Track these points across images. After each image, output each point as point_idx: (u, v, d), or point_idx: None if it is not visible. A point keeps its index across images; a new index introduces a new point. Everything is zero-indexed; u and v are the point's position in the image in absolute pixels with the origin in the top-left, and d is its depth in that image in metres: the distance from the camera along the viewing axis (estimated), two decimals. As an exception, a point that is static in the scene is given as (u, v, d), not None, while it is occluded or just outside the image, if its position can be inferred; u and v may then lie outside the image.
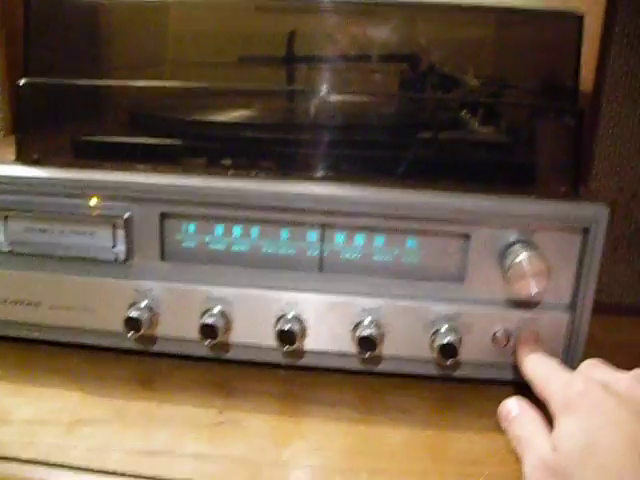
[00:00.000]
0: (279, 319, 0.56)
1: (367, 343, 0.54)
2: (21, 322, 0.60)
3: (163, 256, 0.57)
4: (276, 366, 0.58)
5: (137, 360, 0.59)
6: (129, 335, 0.56)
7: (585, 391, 0.44)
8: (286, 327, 0.55)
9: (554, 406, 0.46)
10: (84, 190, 0.56)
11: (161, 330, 0.57)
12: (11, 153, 0.59)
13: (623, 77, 0.64)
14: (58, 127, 0.60)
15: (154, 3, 0.56)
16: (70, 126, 0.60)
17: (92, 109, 0.61)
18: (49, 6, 0.58)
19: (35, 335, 0.60)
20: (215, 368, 0.59)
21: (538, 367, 0.51)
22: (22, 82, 0.58)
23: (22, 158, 0.59)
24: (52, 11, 0.58)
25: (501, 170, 0.57)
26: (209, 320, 0.55)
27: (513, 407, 0.51)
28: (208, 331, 0.55)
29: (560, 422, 0.44)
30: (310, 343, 0.56)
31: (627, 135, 0.66)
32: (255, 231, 0.56)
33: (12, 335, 0.61)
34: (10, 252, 0.58)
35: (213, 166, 0.57)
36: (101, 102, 0.61)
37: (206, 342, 0.55)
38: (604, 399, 0.42)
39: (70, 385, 0.56)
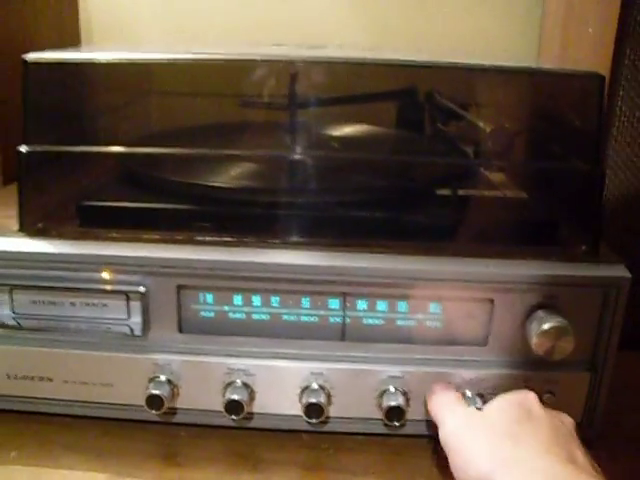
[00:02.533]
0: (304, 390, 0.55)
1: (395, 413, 0.54)
2: (36, 397, 0.58)
3: (181, 328, 0.55)
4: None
5: (158, 430, 0.58)
6: (152, 412, 0.54)
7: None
8: (313, 400, 0.54)
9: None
10: (96, 264, 0.55)
11: (182, 402, 0.57)
12: (6, 217, 0.58)
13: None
14: (61, 194, 0.58)
15: (153, 65, 0.53)
16: (73, 192, 0.58)
17: (95, 174, 0.58)
18: (47, 72, 0.55)
19: (51, 410, 0.58)
20: (238, 435, 0.58)
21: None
22: (23, 149, 0.55)
23: (26, 228, 0.56)
24: (50, 77, 0.55)
25: (520, 228, 0.56)
26: (234, 396, 0.54)
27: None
28: (233, 407, 0.54)
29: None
30: (335, 410, 0.55)
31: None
32: (275, 300, 0.55)
33: (27, 410, 0.59)
34: (17, 326, 0.56)
35: (221, 231, 0.55)
36: (103, 167, 0.58)
37: (231, 417, 0.54)
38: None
39: (94, 465, 0.54)
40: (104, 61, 0.56)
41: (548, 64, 0.68)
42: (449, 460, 0.47)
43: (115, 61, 0.56)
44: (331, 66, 0.58)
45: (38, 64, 0.55)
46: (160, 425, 0.58)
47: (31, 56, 0.54)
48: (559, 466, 0.42)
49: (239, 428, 0.57)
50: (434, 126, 0.66)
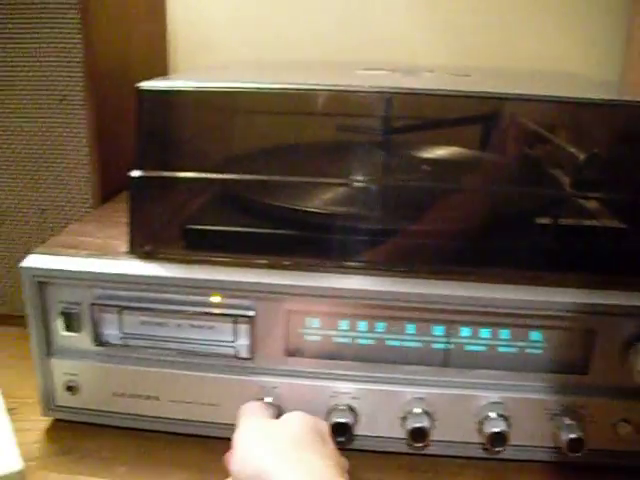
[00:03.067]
0: (407, 414, 0.56)
1: (498, 439, 0.55)
2: (141, 414, 0.59)
3: (287, 351, 0.56)
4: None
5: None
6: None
7: None
8: (418, 424, 0.55)
9: None
10: (205, 288, 0.56)
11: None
12: (108, 237, 0.60)
13: None
14: (166, 217, 0.59)
15: (264, 92, 0.55)
16: (177, 215, 0.59)
17: (198, 197, 0.60)
18: (158, 98, 0.56)
19: (156, 427, 0.59)
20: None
21: None
22: (135, 174, 0.56)
23: (135, 250, 0.58)
24: (161, 102, 0.57)
25: (619, 257, 0.57)
26: (340, 419, 0.55)
27: None
28: (339, 429, 0.55)
29: None
30: (435, 434, 0.56)
31: None
32: (381, 326, 0.56)
33: (132, 427, 0.61)
34: (124, 345, 0.57)
35: (324, 257, 0.56)
36: (207, 191, 0.60)
37: (338, 439, 0.55)
38: None
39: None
40: (216, 89, 0.57)
41: (631, 90, 0.68)
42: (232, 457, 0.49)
43: (225, 89, 0.57)
44: (425, 97, 0.59)
45: (151, 92, 0.56)
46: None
47: (144, 84, 0.56)
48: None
49: (341, 449, 0.58)
50: (522, 151, 0.67)
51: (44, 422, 0.62)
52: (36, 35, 0.67)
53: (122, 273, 0.56)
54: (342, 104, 0.59)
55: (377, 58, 0.91)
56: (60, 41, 0.67)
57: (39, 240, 0.72)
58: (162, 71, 0.91)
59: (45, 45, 0.67)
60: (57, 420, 0.63)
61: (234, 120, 0.60)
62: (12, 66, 0.68)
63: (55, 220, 0.72)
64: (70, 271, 0.57)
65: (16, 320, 0.75)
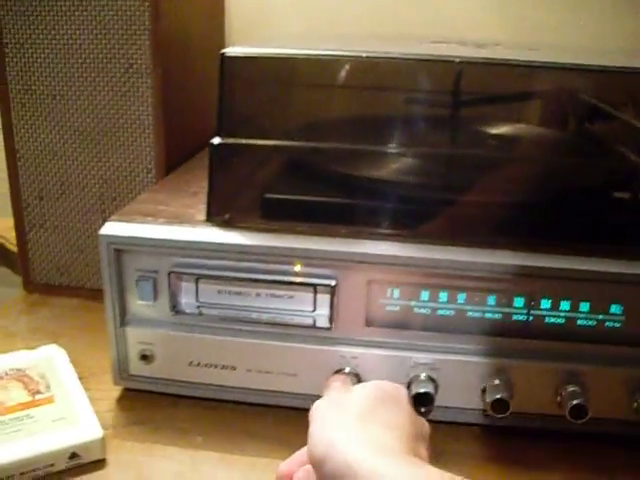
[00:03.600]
0: (486, 386, 0.56)
1: (579, 411, 0.55)
2: (217, 384, 0.59)
3: (367, 321, 0.56)
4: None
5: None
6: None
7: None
8: (498, 396, 0.55)
9: None
10: (286, 257, 0.56)
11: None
12: (183, 206, 0.60)
13: None
14: (247, 186, 0.59)
15: (346, 59, 0.54)
16: (258, 185, 0.59)
17: (279, 168, 0.59)
18: (242, 64, 0.56)
19: (232, 397, 0.59)
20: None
21: None
22: (216, 142, 0.56)
23: (213, 219, 0.57)
24: (245, 69, 0.56)
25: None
26: (421, 389, 0.55)
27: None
28: (421, 399, 0.55)
29: None
30: (514, 406, 0.56)
31: None
32: (462, 297, 0.56)
33: (207, 397, 0.61)
34: (198, 314, 0.57)
35: (403, 227, 0.56)
36: (287, 161, 0.59)
37: (420, 409, 0.55)
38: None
39: (278, 453, 0.55)
40: (300, 55, 0.56)
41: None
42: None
43: (310, 56, 0.56)
44: (496, 67, 0.58)
45: (234, 58, 0.55)
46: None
47: (229, 50, 0.55)
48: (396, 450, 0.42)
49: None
50: (589, 127, 0.66)
51: (115, 391, 0.62)
52: (102, 3, 0.66)
53: (202, 241, 0.56)
54: (425, 74, 0.58)
55: (436, 34, 0.90)
56: (127, 9, 0.66)
57: (100, 210, 0.72)
58: (220, 42, 0.90)
59: (112, 13, 0.66)
60: (127, 389, 0.62)
61: (312, 89, 0.60)
62: (78, 35, 0.68)
63: (117, 190, 0.72)
64: (149, 238, 0.56)
65: (75, 291, 0.75)
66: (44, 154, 0.72)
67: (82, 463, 0.53)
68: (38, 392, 0.57)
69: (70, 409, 0.54)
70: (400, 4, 0.91)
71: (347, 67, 0.56)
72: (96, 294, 0.73)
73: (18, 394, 0.57)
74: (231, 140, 0.56)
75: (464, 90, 0.62)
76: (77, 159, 0.71)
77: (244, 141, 0.57)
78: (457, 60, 0.57)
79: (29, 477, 0.51)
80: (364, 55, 0.55)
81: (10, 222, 0.84)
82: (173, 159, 0.71)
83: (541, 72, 0.59)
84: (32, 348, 0.66)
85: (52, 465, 0.52)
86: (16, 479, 0.50)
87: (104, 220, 0.68)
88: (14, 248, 0.84)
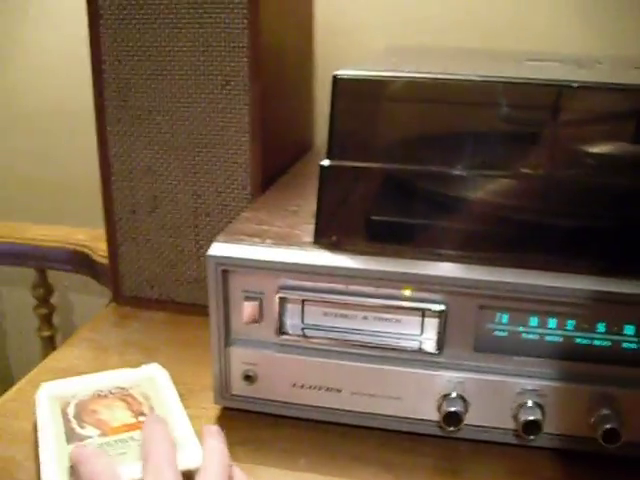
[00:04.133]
0: (595, 414, 0.55)
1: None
2: (321, 406, 0.59)
3: (477, 347, 0.56)
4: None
5: (436, 443, 0.58)
6: (448, 430, 0.55)
7: None
8: (608, 426, 0.54)
9: None
10: (396, 282, 0.56)
11: (469, 419, 0.56)
12: (287, 227, 0.61)
13: None
14: (354, 208, 0.59)
15: (460, 82, 0.54)
16: (365, 207, 0.58)
17: (388, 190, 0.59)
18: (354, 86, 0.55)
19: (335, 419, 0.59)
20: (518, 453, 0.58)
21: None
22: (326, 164, 0.56)
23: (321, 241, 0.57)
24: (356, 91, 0.56)
25: None
26: (530, 417, 0.55)
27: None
28: (530, 427, 0.54)
29: None
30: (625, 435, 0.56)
31: None
32: (571, 324, 0.55)
33: (309, 418, 0.61)
34: (302, 335, 0.57)
35: (513, 252, 0.55)
36: (396, 184, 0.59)
37: (529, 437, 0.54)
38: None
39: (384, 477, 0.55)
40: (412, 78, 0.56)
41: None
42: None
43: (420, 79, 0.56)
44: (603, 91, 0.57)
45: (346, 80, 0.55)
46: (437, 438, 0.59)
47: (342, 72, 0.55)
48: None
49: (518, 446, 0.57)
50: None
51: (214, 410, 0.62)
52: (201, 20, 0.66)
53: (310, 264, 0.56)
54: (526, 96, 0.58)
55: (519, 46, 0.89)
56: (227, 26, 0.66)
57: (192, 225, 0.72)
58: (309, 58, 0.90)
59: (210, 30, 0.67)
60: (225, 408, 0.62)
61: (419, 110, 0.59)
62: (177, 51, 0.68)
63: (211, 206, 0.72)
64: (257, 260, 0.56)
65: (164, 304, 0.75)
66: (138, 169, 0.72)
67: None
68: (142, 414, 0.57)
69: (173, 434, 0.54)
70: (482, 15, 0.90)
71: (458, 89, 0.56)
72: (185, 308, 0.74)
73: (122, 414, 0.57)
74: (341, 162, 0.56)
75: (563, 112, 0.61)
76: (171, 174, 0.72)
77: (354, 163, 0.56)
78: (558, 84, 0.56)
79: None
80: (478, 79, 0.54)
81: (96, 233, 0.84)
82: (268, 174, 0.71)
83: None
84: (128, 362, 0.66)
85: None
86: None
87: (197, 235, 0.68)
88: (100, 259, 0.85)
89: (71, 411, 0.58)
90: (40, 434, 0.55)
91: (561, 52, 0.82)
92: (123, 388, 0.60)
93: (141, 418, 0.57)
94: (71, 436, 0.55)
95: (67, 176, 1.11)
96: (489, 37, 0.90)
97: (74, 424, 0.56)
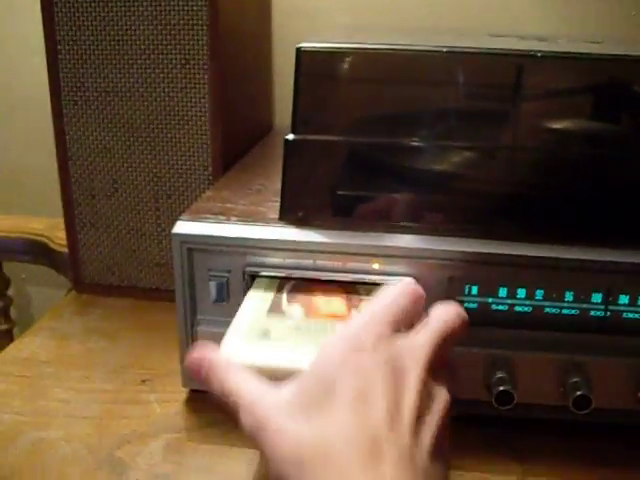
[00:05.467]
0: (566, 382, 0.55)
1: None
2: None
3: (445, 318, 0.55)
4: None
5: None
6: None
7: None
8: (578, 393, 0.54)
9: None
10: (365, 255, 0.55)
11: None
12: (252, 204, 0.60)
13: None
14: (320, 184, 0.58)
15: (425, 53, 0.53)
16: (331, 182, 0.58)
17: (354, 164, 0.58)
18: (318, 59, 0.55)
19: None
20: (490, 424, 0.58)
21: None
22: (290, 138, 0.55)
23: (287, 217, 0.56)
24: (321, 64, 0.55)
25: None
26: (501, 387, 0.54)
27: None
28: (503, 398, 0.54)
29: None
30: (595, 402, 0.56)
31: None
32: (539, 293, 0.55)
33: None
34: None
35: (479, 223, 0.56)
36: (362, 157, 0.58)
37: (502, 408, 0.54)
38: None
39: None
40: (379, 49, 0.55)
41: None
42: None
43: (388, 50, 0.55)
44: (559, 60, 0.58)
45: (311, 52, 0.54)
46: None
47: (305, 45, 0.54)
48: None
49: (492, 417, 0.57)
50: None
51: (182, 393, 0.61)
52: (159, -4, 0.65)
53: (278, 239, 0.55)
54: (488, 66, 0.58)
55: (480, 27, 0.89)
56: (185, 3, 0.65)
57: (154, 209, 0.71)
58: (268, 39, 0.89)
59: (169, 8, 0.65)
60: (194, 391, 0.61)
61: (385, 83, 0.59)
62: (134, 30, 0.66)
63: (172, 188, 0.71)
64: (223, 237, 0.55)
65: (127, 291, 0.74)
66: (96, 152, 0.71)
67: None
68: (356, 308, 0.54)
69: None
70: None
71: (422, 61, 0.56)
72: (148, 293, 0.72)
73: (338, 305, 0.54)
74: (306, 136, 0.55)
75: (527, 84, 0.61)
76: (131, 156, 0.70)
77: (319, 137, 0.56)
78: (520, 54, 0.56)
79: None
80: (442, 50, 0.54)
81: (54, 221, 0.83)
82: (229, 155, 0.70)
83: (603, 64, 0.58)
84: (91, 350, 0.66)
85: None
86: None
87: (158, 218, 0.67)
88: (58, 248, 0.83)
89: (288, 287, 0.56)
90: (244, 301, 0.53)
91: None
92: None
93: (354, 311, 0.53)
94: (274, 309, 0.53)
95: (21, 165, 1.08)
96: (454, 19, 0.90)
97: (283, 299, 0.54)
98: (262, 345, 0.48)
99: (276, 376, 0.43)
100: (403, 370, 0.39)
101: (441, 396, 0.40)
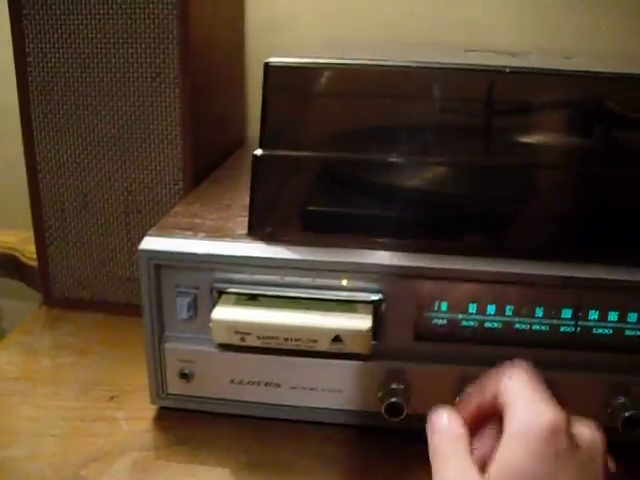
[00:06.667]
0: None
1: (633, 424, 0.54)
2: (260, 402, 0.58)
3: (416, 336, 0.55)
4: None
5: (379, 434, 0.57)
6: (391, 420, 0.54)
7: (552, 431, 0.37)
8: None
9: (508, 423, 0.39)
10: (334, 272, 0.55)
11: (412, 408, 0.56)
12: (220, 219, 0.60)
13: None
14: (288, 199, 0.58)
15: (395, 68, 0.53)
16: (300, 198, 0.57)
17: (323, 180, 0.58)
18: (287, 74, 0.54)
19: (275, 415, 0.58)
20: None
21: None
22: (258, 153, 0.55)
23: (255, 232, 0.56)
24: (289, 79, 0.55)
25: None
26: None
27: (442, 418, 0.43)
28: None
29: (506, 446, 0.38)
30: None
31: None
32: (509, 309, 0.55)
33: (248, 414, 0.60)
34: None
35: (449, 239, 0.55)
36: (331, 173, 0.58)
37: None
38: (567, 450, 0.37)
39: (327, 469, 0.55)
40: (348, 65, 0.55)
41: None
42: None
43: (357, 65, 0.55)
44: (528, 76, 0.58)
45: (279, 68, 0.54)
46: (381, 430, 0.58)
47: (272, 60, 0.54)
48: None
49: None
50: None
51: (151, 410, 0.60)
52: (129, 11, 0.65)
53: (245, 255, 0.54)
54: (460, 82, 0.58)
55: (456, 41, 0.89)
56: (155, 17, 0.65)
57: (124, 223, 0.70)
58: (241, 53, 0.89)
59: (139, 21, 0.65)
60: (163, 408, 0.60)
61: (353, 98, 0.58)
62: (104, 43, 0.66)
63: (143, 203, 0.70)
64: (192, 253, 0.55)
65: (98, 306, 0.73)
66: (66, 166, 0.70)
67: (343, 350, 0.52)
68: None
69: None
70: (421, 11, 0.90)
71: (393, 76, 0.55)
72: (119, 309, 0.72)
73: None
74: (274, 152, 0.55)
75: (498, 99, 0.61)
76: (101, 170, 0.70)
77: (287, 153, 0.55)
78: (492, 69, 0.56)
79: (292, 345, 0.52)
80: (412, 65, 0.54)
81: (25, 235, 0.82)
82: (200, 169, 0.69)
83: (573, 80, 0.58)
84: (60, 365, 0.66)
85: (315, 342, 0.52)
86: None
87: (128, 233, 0.66)
88: (29, 262, 0.82)
89: None
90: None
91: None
92: None
93: None
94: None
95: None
96: (429, 33, 0.90)
97: None
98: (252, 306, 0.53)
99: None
100: None
101: None
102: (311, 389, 0.57)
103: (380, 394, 0.56)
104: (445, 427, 0.42)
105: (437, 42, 0.88)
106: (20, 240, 0.93)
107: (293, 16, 0.93)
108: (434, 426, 0.42)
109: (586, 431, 0.39)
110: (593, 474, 0.37)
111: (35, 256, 0.75)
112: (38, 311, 0.77)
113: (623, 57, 0.83)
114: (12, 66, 0.68)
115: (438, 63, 0.56)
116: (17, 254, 0.90)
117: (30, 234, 0.75)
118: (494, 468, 0.37)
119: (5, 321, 1.16)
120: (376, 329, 0.55)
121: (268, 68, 0.54)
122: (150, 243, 0.56)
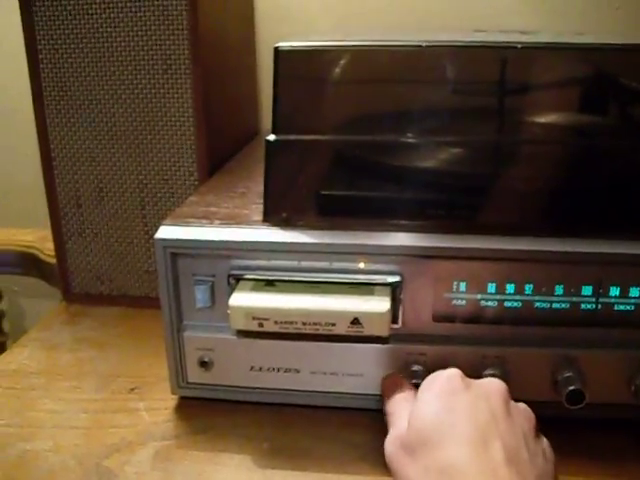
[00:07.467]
0: (559, 376, 0.54)
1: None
2: (280, 388, 0.57)
3: (435, 317, 0.55)
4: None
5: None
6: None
7: (447, 377, 0.48)
8: (571, 388, 0.53)
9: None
10: (352, 254, 0.55)
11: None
12: (235, 207, 0.60)
13: None
14: (303, 184, 0.57)
15: (406, 49, 0.53)
16: (314, 182, 0.57)
17: (337, 164, 0.57)
18: (297, 58, 0.54)
19: (296, 401, 0.58)
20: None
21: None
22: (271, 138, 0.54)
23: (271, 218, 0.56)
24: (300, 63, 0.55)
25: None
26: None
27: (393, 384, 0.54)
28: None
29: (417, 399, 0.48)
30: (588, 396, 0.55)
31: None
32: (529, 288, 0.54)
33: (269, 402, 0.60)
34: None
35: (462, 218, 0.55)
36: (345, 156, 0.58)
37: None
38: (461, 388, 0.47)
39: (348, 454, 0.55)
40: (359, 47, 0.55)
41: None
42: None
43: (368, 47, 0.55)
44: (541, 51, 0.57)
45: (289, 52, 0.54)
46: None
47: (282, 44, 0.53)
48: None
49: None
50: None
51: (171, 401, 0.60)
52: (139, 3, 0.64)
53: (262, 241, 0.54)
54: (472, 59, 0.57)
55: (469, 25, 0.88)
56: (165, 9, 0.65)
57: (140, 216, 0.70)
58: (252, 44, 0.89)
59: (149, 13, 0.65)
60: (183, 398, 0.60)
61: (367, 81, 0.58)
62: (115, 36, 0.66)
63: (158, 195, 0.70)
64: (207, 241, 0.54)
65: (117, 299, 0.73)
66: (81, 160, 0.70)
67: (362, 333, 0.52)
68: None
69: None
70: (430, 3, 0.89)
71: (405, 56, 0.55)
72: (138, 301, 0.72)
73: None
74: (287, 136, 0.54)
75: (510, 76, 0.60)
76: (116, 164, 0.70)
77: (300, 137, 0.55)
78: (504, 46, 0.56)
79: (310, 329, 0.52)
80: (424, 44, 0.53)
81: (43, 232, 0.82)
82: (215, 159, 0.69)
83: (587, 54, 0.57)
84: (80, 359, 0.66)
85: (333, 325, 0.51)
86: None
87: (145, 225, 0.66)
88: (48, 259, 0.82)
89: None
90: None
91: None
92: None
93: None
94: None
95: (8, 177, 1.07)
96: (439, 20, 0.90)
97: None
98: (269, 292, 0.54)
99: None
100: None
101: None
102: (331, 374, 0.57)
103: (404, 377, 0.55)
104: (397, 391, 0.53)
105: (447, 27, 0.88)
106: (38, 238, 0.93)
107: (303, 5, 0.93)
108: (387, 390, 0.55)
109: (484, 380, 0.49)
110: (489, 406, 0.46)
111: (53, 253, 0.75)
112: (58, 307, 0.77)
113: (636, 34, 0.82)
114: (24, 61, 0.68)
115: (449, 41, 0.55)
116: (36, 252, 0.90)
117: (48, 231, 0.76)
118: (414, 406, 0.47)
119: (26, 319, 1.17)
120: (394, 311, 0.55)
121: (278, 53, 0.54)
122: (166, 232, 0.55)
